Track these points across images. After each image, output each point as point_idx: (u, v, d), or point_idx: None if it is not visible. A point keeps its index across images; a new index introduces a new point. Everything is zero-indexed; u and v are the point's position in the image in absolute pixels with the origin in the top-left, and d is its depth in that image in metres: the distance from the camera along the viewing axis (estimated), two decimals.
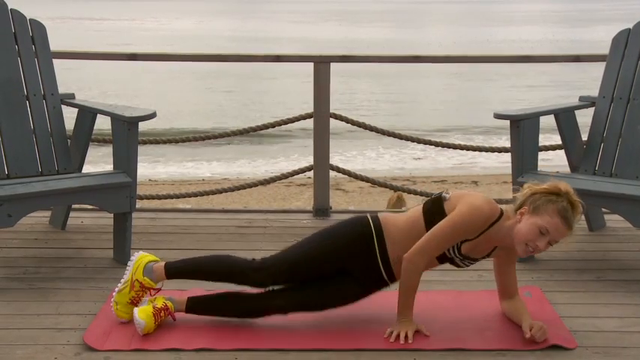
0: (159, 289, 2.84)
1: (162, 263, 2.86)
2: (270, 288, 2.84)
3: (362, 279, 2.81)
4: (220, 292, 2.88)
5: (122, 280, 2.84)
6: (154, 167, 10.95)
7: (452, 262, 2.80)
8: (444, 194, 2.77)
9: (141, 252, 2.91)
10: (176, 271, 2.86)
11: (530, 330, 2.68)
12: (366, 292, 2.86)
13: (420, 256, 2.69)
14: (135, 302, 2.78)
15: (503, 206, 2.78)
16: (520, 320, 2.79)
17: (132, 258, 2.88)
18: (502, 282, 2.90)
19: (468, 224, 2.66)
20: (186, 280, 2.94)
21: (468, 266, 2.84)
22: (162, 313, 2.75)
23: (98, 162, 8.23)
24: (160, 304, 2.77)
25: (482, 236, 2.70)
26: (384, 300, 3.05)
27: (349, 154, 12.09)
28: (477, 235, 2.70)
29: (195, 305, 2.85)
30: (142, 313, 2.71)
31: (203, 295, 2.88)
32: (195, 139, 4.73)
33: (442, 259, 2.78)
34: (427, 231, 2.72)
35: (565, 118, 3.78)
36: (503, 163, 9.77)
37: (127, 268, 2.86)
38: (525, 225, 2.63)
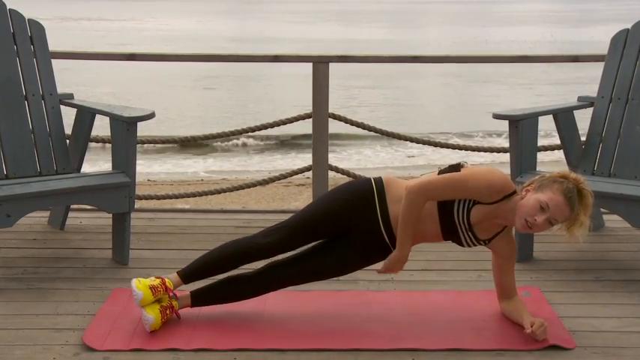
0: (172, 302, 2.81)
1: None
2: (271, 261, 2.85)
3: (364, 242, 2.80)
4: (221, 278, 2.89)
5: None
6: (150, 166, 10.96)
7: (456, 235, 2.77)
8: (462, 162, 2.78)
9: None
10: (189, 271, 2.85)
11: (532, 326, 2.68)
12: (369, 257, 2.85)
13: (423, 190, 2.69)
14: (154, 291, 2.76)
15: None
16: (520, 319, 2.79)
17: None
18: (501, 282, 2.90)
19: (480, 182, 2.67)
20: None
21: (469, 246, 2.82)
22: (167, 311, 2.78)
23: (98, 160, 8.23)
24: (165, 302, 2.79)
25: (494, 207, 2.69)
26: (384, 299, 3.05)
27: (346, 153, 12.11)
28: (490, 203, 2.69)
29: (200, 297, 2.86)
30: (150, 310, 2.73)
31: (204, 285, 2.89)
32: (194, 139, 4.73)
33: (447, 231, 2.76)
34: None
35: (564, 118, 3.78)
36: (501, 162, 9.78)
37: None
38: (527, 200, 2.66)
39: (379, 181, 2.82)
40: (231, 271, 2.89)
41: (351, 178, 4.68)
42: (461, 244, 2.83)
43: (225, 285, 2.87)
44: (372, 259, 2.87)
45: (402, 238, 2.75)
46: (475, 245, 2.83)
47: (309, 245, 2.87)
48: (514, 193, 2.73)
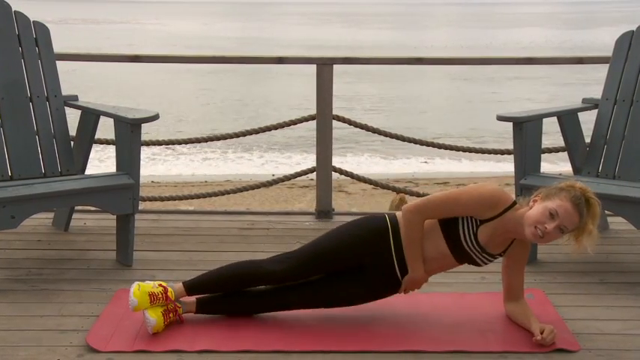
0: (177, 306, 2.81)
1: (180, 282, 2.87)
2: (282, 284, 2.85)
3: (376, 277, 2.81)
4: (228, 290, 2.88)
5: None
6: (154, 164, 11.00)
7: (470, 259, 2.79)
8: None
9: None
10: (195, 284, 2.85)
11: (542, 333, 2.68)
12: (380, 292, 2.86)
13: (418, 210, 2.74)
14: (152, 299, 2.76)
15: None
16: (525, 322, 2.79)
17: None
18: (509, 283, 2.89)
19: (472, 195, 2.69)
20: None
21: (486, 264, 2.83)
22: (170, 315, 2.78)
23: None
24: (169, 305, 2.79)
25: (498, 222, 2.70)
26: (388, 301, 3.05)
27: (350, 156, 12.12)
28: (492, 218, 2.70)
29: (205, 305, 2.86)
30: (152, 313, 2.74)
31: (212, 295, 2.88)
32: (198, 141, 4.73)
33: (460, 255, 2.78)
34: (442, 228, 2.75)
35: (568, 120, 3.78)
36: (506, 164, 9.76)
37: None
38: (536, 208, 2.66)
39: (394, 218, 2.83)
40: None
41: (354, 180, 4.68)
42: (478, 265, 2.84)
43: (232, 298, 2.87)
44: (383, 294, 2.88)
45: (411, 259, 2.77)
46: (492, 262, 2.84)
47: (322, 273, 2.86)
48: (514, 204, 2.72)
